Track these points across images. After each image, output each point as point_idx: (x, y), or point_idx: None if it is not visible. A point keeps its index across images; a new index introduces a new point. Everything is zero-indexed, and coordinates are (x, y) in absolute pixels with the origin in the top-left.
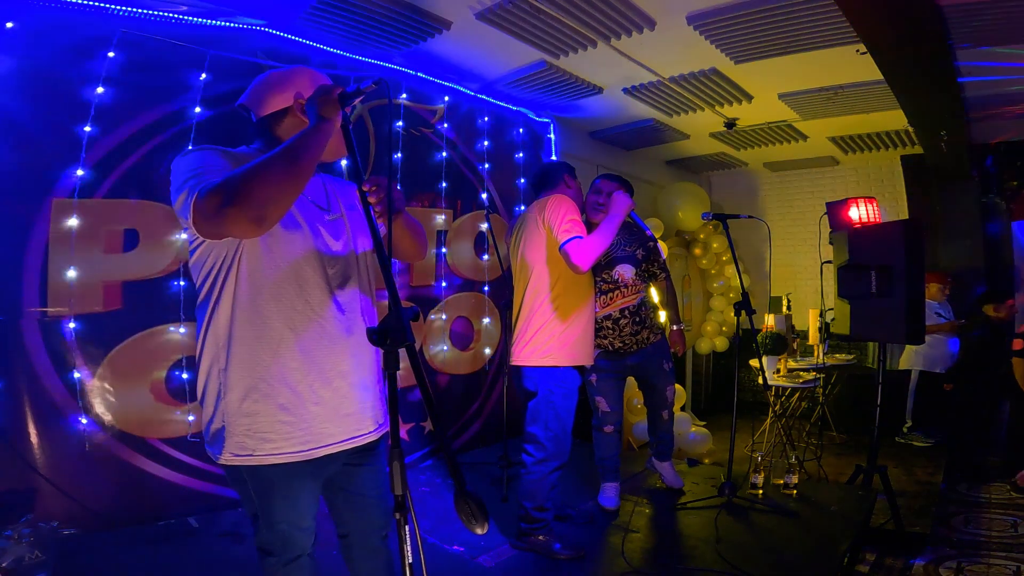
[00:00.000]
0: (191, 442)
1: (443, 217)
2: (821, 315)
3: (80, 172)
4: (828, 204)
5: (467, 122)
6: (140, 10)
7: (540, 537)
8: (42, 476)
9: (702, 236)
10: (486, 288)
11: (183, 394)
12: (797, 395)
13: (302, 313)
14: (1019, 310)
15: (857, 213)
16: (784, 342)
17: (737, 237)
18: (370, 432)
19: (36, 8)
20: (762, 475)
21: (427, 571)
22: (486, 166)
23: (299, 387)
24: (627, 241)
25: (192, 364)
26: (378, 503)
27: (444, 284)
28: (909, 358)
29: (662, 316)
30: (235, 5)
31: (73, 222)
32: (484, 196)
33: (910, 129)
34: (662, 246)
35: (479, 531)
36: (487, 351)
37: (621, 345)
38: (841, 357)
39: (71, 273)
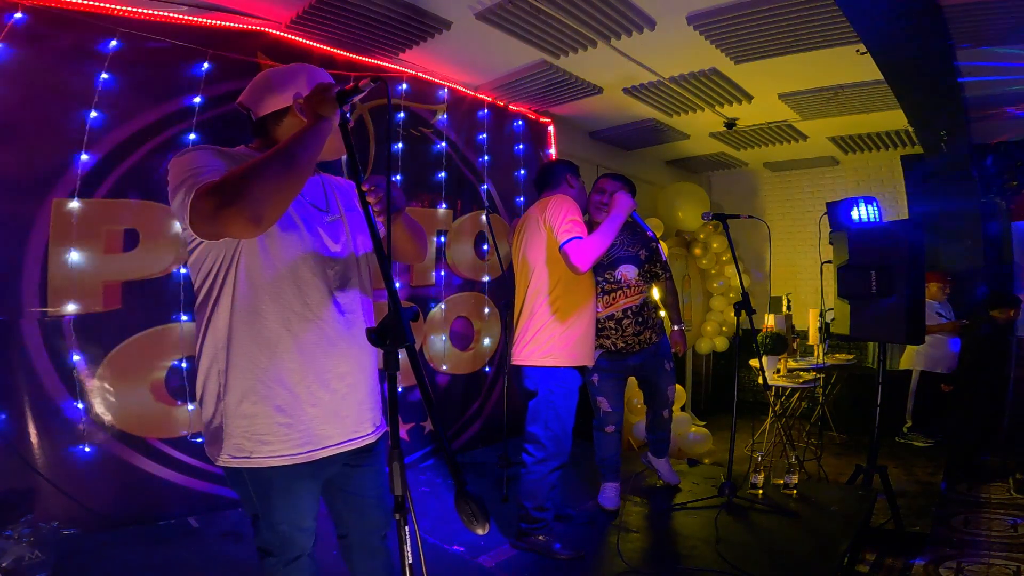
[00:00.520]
0: (191, 442)
1: (443, 217)
2: (821, 315)
3: (80, 172)
4: (828, 204)
5: (467, 122)
6: (140, 10)
7: (540, 537)
8: (42, 476)
9: (702, 236)
10: (486, 288)
11: (183, 394)
12: (797, 395)
13: (300, 315)
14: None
15: (857, 213)
16: (784, 342)
17: (737, 237)
18: (368, 434)
19: (36, 8)
20: (762, 475)
21: (427, 571)
22: (486, 165)
23: (297, 389)
24: (630, 241)
25: (192, 364)
26: (377, 504)
27: (444, 284)
28: (910, 358)
29: (662, 316)
30: (235, 5)
31: (73, 222)
32: (484, 196)
33: (910, 129)
34: (662, 246)
35: (479, 531)
36: (487, 351)
37: (624, 345)
38: (841, 357)
39: (71, 273)
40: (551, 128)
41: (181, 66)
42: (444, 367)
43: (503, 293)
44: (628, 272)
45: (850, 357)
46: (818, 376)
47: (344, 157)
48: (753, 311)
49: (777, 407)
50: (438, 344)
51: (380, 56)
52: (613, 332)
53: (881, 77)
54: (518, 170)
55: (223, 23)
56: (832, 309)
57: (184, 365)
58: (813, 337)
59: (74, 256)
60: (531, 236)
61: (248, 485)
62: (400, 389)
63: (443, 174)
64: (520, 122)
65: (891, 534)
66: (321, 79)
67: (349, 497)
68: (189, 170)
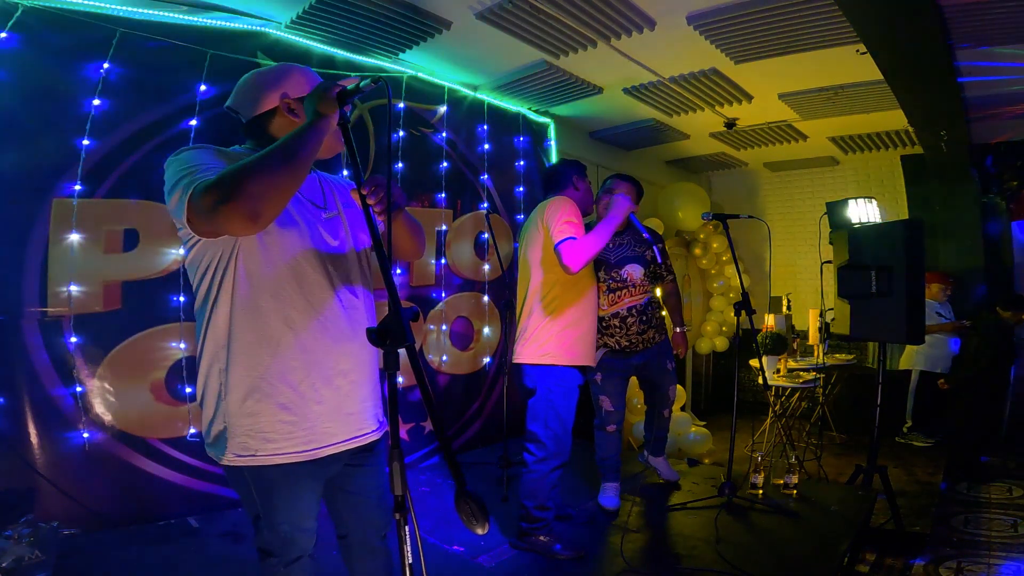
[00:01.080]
0: (191, 442)
1: (443, 217)
2: (821, 315)
3: (80, 172)
4: (828, 204)
5: (467, 122)
6: (140, 10)
7: (541, 537)
8: (42, 476)
9: (702, 236)
10: (486, 287)
11: (183, 394)
12: (797, 395)
13: (302, 311)
14: None
15: (857, 213)
16: (784, 342)
17: (737, 237)
18: (372, 431)
19: (36, 8)
20: (762, 475)
21: (427, 571)
22: (486, 166)
23: (301, 386)
24: (636, 242)
25: (192, 364)
26: (378, 504)
27: (444, 284)
28: (910, 358)
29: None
30: (235, 5)
31: (73, 222)
32: (484, 196)
33: (910, 129)
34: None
35: (480, 531)
36: (487, 351)
37: (627, 344)
38: (841, 357)
39: (71, 273)
40: (551, 128)
41: (181, 66)
42: (444, 367)
43: (503, 293)
44: (634, 271)
45: (850, 357)
46: (818, 376)
47: (344, 155)
48: (753, 311)
49: (777, 407)
50: (438, 344)
51: (380, 56)
52: (618, 330)
53: (881, 77)
54: (518, 170)
55: (223, 23)
56: (832, 309)
57: (184, 365)
58: (813, 337)
59: (74, 256)
60: (532, 236)
61: (250, 485)
62: (400, 387)
63: (443, 174)
64: (520, 123)
65: (891, 534)
66: (307, 77)
67: (349, 497)
68: (187, 168)
